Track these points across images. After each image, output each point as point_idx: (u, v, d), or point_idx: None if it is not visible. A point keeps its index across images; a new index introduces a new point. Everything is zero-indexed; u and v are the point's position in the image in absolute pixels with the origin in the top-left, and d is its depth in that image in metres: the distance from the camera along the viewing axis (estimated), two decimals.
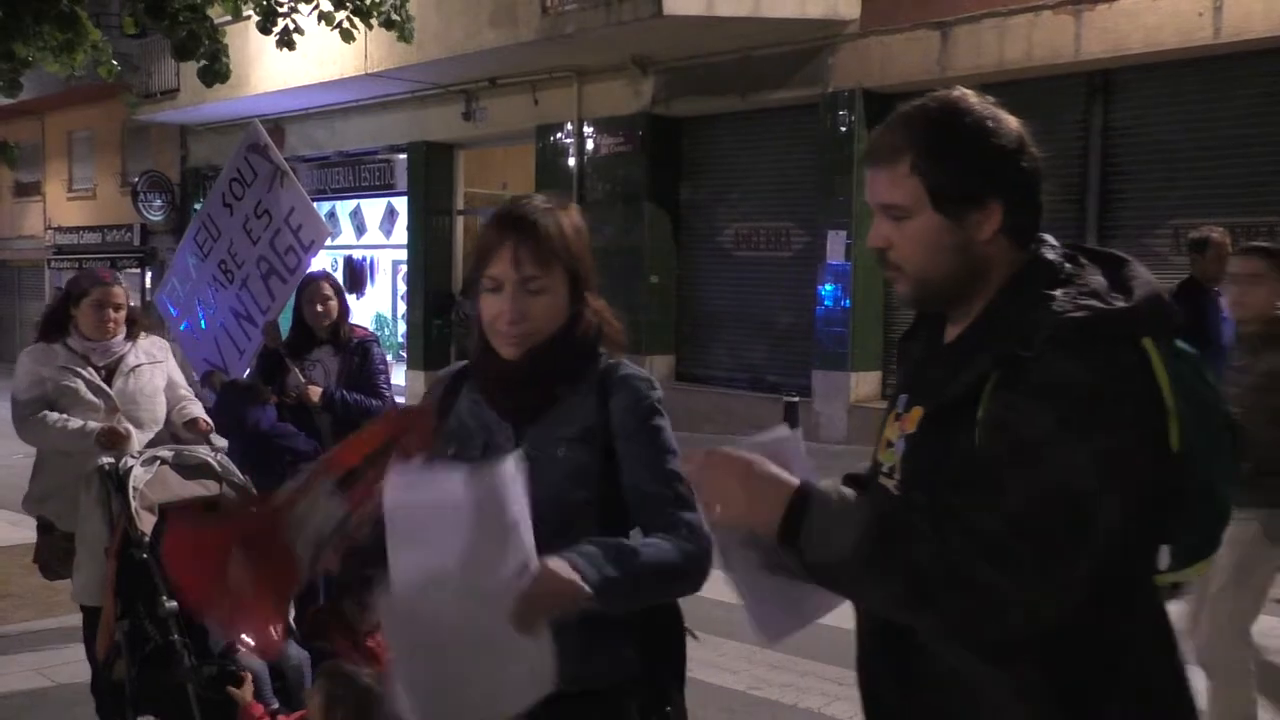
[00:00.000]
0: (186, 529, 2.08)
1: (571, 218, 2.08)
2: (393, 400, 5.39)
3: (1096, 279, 1.69)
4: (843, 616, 1.89)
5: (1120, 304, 1.63)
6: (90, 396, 4.43)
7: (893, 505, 1.63)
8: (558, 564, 1.80)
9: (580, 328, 2.08)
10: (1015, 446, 1.56)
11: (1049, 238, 1.78)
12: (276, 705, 3.73)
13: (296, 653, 3.96)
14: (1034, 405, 1.56)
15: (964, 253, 1.71)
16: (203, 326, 5.75)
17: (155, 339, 4.82)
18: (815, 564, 1.61)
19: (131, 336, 4.61)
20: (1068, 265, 1.71)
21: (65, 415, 4.38)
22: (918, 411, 1.76)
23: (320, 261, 5.83)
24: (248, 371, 5.69)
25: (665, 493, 2.04)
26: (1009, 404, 1.59)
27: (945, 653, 1.67)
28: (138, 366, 4.56)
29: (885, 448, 1.85)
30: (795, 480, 1.65)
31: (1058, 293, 1.65)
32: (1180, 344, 1.70)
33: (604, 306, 2.14)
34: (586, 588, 1.80)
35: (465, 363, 2.24)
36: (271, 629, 2.05)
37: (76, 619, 4.70)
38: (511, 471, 1.75)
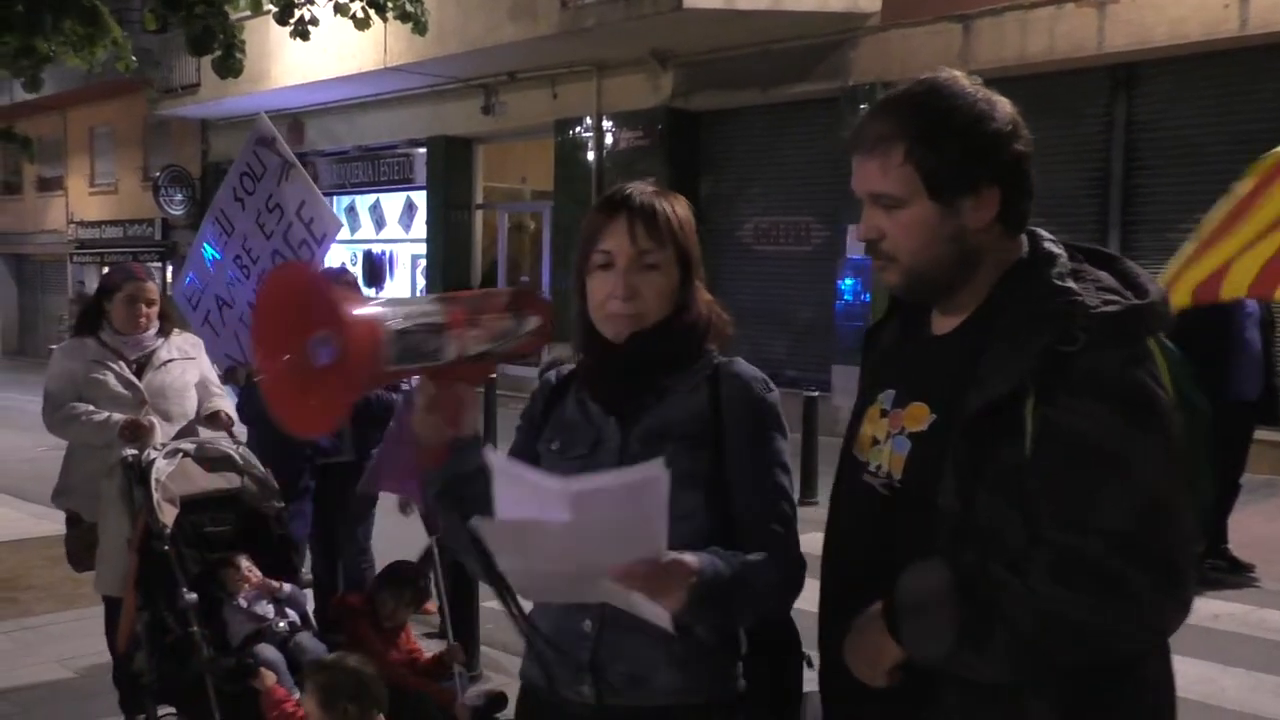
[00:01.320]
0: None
1: (680, 206, 2.00)
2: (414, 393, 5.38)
3: (1102, 273, 1.66)
4: None
5: (1137, 300, 1.60)
6: (119, 389, 4.46)
7: (970, 579, 1.55)
8: (681, 568, 1.69)
9: (689, 315, 1.97)
10: (1097, 458, 1.52)
11: (1041, 230, 1.74)
12: (298, 695, 3.74)
13: (313, 645, 3.97)
14: (1099, 407, 1.52)
15: (958, 242, 1.67)
16: (222, 321, 5.75)
17: (189, 335, 4.86)
18: (932, 664, 1.60)
19: (164, 332, 4.64)
20: (1069, 259, 1.69)
21: (91, 408, 4.41)
22: (921, 409, 1.70)
23: (339, 255, 5.82)
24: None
25: (769, 508, 1.93)
26: (1069, 408, 1.53)
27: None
28: (169, 361, 4.59)
29: (869, 445, 1.78)
30: (877, 611, 1.63)
31: (1073, 284, 1.62)
32: (1167, 343, 1.69)
33: (712, 299, 2.02)
34: (678, 607, 1.70)
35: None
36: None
37: (98, 611, 4.73)
38: (662, 474, 1.63)
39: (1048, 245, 1.70)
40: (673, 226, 1.95)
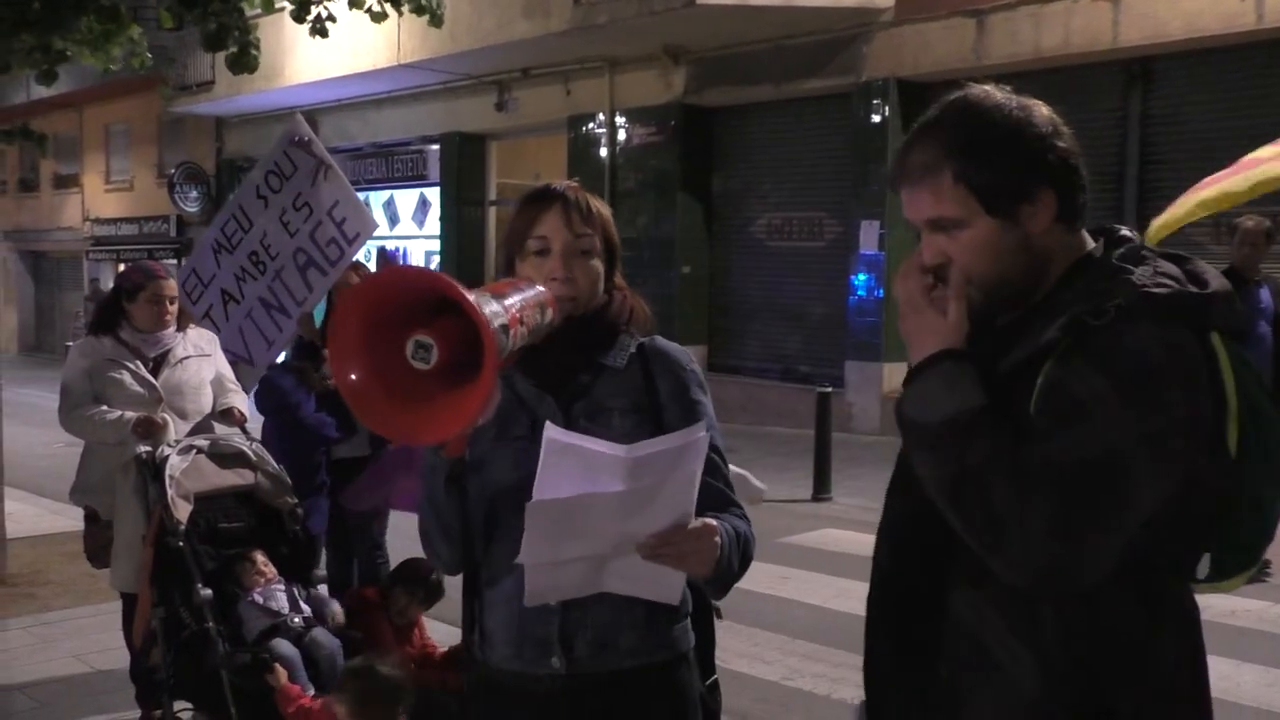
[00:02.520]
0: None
1: (603, 202, 2.15)
2: None
3: (1169, 265, 1.66)
4: None
5: (1194, 289, 1.61)
6: (136, 388, 4.48)
7: (1001, 414, 1.60)
8: (710, 529, 1.84)
9: (615, 304, 2.12)
10: (1066, 403, 1.54)
11: (1121, 225, 1.77)
12: (313, 691, 3.76)
13: (328, 641, 3.99)
14: (1093, 370, 1.54)
15: (1024, 250, 1.67)
16: (225, 316, 5.75)
17: (204, 332, 4.87)
18: (901, 415, 1.67)
19: (180, 329, 4.66)
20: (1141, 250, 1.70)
21: (105, 407, 4.43)
22: None
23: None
24: (278, 361, 5.71)
25: (713, 468, 2.03)
26: (1070, 368, 1.56)
27: (975, 627, 1.66)
28: (185, 359, 4.61)
29: None
30: (947, 342, 1.66)
31: (1135, 268, 1.63)
32: (1244, 351, 1.67)
33: (634, 292, 2.19)
34: (710, 569, 1.86)
35: None
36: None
37: (115, 606, 4.76)
38: (704, 435, 1.77)
39: (1124, 233, 1.73)
40: (602, 216, 2.10)
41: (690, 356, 2.18)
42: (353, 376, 1.64)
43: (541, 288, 1.91)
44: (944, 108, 1.71)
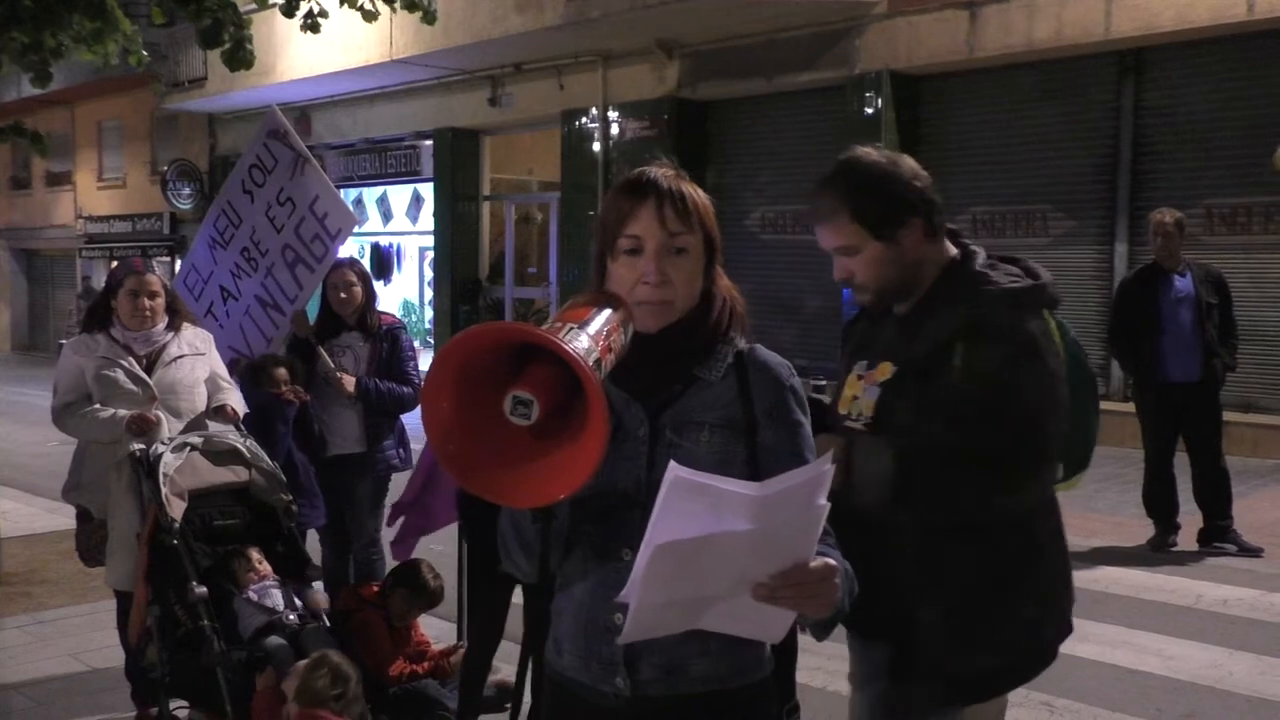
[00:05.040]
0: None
1: (700, 190, 1.99)
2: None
3: (1013, 268, 2.40)
4: None
5: (1032, 282, 2.38)
6: (129, 386, 4.46)
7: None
8: (831, 570, 1.70)
9: (715, 311, 1.98)
10: (991, 383, 2.24)
11: (965, 239, 2.47)
12: None
13: (323, 637, 3.99)
14: (996, 348, 2.27)
15: (903, 262, 2.39)
16: (226, 313, 5.74)
17: (200, 331, 4.84)
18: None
19: (174, 327, 4.63)
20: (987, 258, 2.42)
21: (99, 405, 4.41)
22: (886, 366, 2.41)
23: (347, 248, 5.80)
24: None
25: None
26: (978, 349, 2.27)
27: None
28: (179, 357, 4.58)
29: (850, 401, 2.49)
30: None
31: (989, 272, 2.38)
32: (1058, 318, 2.45)
33: (731, 286, 2.03)
34: (828, 611, 1.74)
35: None
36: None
37: (111, 605, 4.75)
38: (830, 469, 1.66)
39: (972, 248, 2.45)
40: (700, 209, 1.93)
41: (791, 370, 2.02)
42: (452, 446, 1.58)
43: (611, 310, 1.78)
44: (838, 166, 2.41)
